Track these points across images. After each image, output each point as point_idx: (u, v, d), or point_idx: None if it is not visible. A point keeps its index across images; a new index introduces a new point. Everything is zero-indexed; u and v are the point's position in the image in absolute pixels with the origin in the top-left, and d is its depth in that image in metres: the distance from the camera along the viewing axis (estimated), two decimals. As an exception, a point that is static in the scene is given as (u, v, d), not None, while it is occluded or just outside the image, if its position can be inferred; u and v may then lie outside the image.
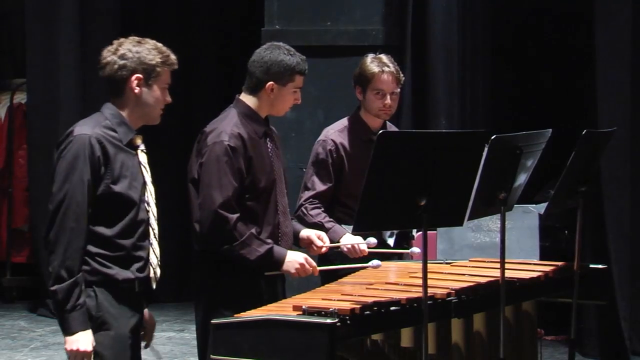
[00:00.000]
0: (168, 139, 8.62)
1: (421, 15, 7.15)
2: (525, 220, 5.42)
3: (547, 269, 4.33)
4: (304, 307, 3.40)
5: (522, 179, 3.93)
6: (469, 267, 4.32)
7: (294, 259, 4.07)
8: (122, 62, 3.63)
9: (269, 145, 4.30)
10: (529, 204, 5.29)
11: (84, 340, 3.50)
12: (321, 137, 4.95)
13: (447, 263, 4.42)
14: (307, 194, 4.83)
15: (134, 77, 3.62)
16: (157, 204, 3.74)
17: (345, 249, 4.58)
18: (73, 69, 8.03)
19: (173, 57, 3.76)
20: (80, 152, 3.50)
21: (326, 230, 4.65)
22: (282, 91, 4.27)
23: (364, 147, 4.77)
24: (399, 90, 4.96)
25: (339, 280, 4.20)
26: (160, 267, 3.73)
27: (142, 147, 3.74)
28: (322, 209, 4.79)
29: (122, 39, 3.72)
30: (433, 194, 3.42)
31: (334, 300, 3.55)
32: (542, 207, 5.26)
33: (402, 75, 5.01)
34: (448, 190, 3.53)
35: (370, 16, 7.13)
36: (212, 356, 3.43)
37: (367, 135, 4.88)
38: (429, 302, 3.50)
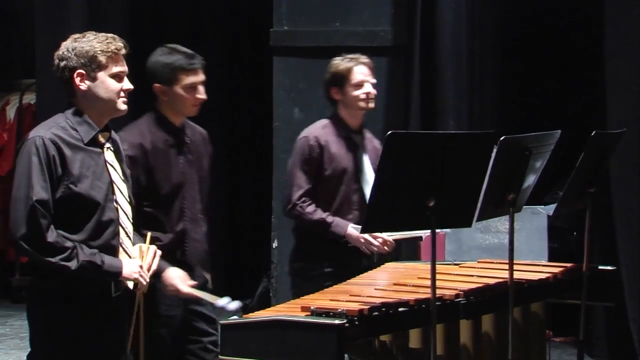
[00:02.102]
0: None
1: (430, 15, 7.13)
2: (534, 221, 5.42)
3: (556, 270, 4.33)
4: (312, 307, 3.40)
5: (530, 180, 3.92)
6: (478, 268, 4.32)
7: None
8: (62, 63, 3.61)
9: (181, 153, 4.31)
10: (537, 205, 5.29)
11: (129, 266, 3.54)
12: (303, 134, 4.95)
13: (455, 264, 4.42)
14: (298, 192, 4.80)
15: (75, 74, 3.57)
16: (130, 202, 3.67)
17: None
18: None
19: (117, 43, 3.61)
20: (33, 153, 3.43)
21: (328, 224, 4.70)
22: (173, 92, 4.23)
23: (343, 144, 4.86)
24: (374, 80, 5.01)
25: (348, 281, 4.18)
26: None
27: (108, 144, 3.64)
28: (315, 205, 4.80)
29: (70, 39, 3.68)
30: (441, 195, 3.42)
31: (342, 301, 3.55)
32: (550, 209, 5.25)
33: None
34: (457, 191, 3.53)
35: (379, 17, 7.12)
36: (220, 356, 3.44)
37: (347, 133, 4.91)
38: (437, 303, 3.50)
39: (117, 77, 3.58)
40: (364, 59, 4.97)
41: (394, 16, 7.11)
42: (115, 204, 3.57)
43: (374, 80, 4.98)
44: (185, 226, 4.25)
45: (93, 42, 3.55)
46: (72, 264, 3.39)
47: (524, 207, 4.11)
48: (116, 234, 3.58)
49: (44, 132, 3.50)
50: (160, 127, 4.19)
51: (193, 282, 4.20)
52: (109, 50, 3.55)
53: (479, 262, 4.49)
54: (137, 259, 3.61)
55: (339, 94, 4.92)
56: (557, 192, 4.36)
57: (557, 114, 7.06)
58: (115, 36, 3.65)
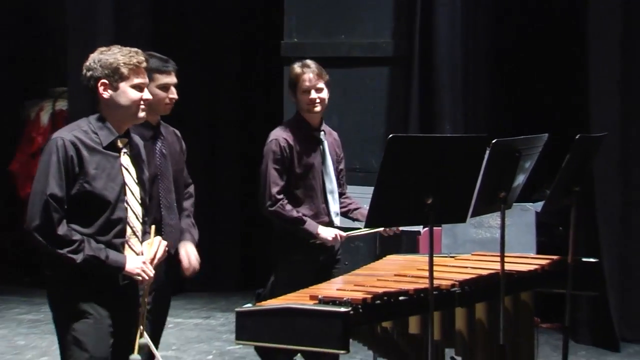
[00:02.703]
0: (195, 140, 8.67)
1: (427, 28, 7.11)
2: (523, 217, 5.41)
3: (543, 262, 4.31)
4: (320, 296, 3.39)
5: (520, 179, 3.91)
6: (472, 260, 4.30)
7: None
8: (89, 73, 3.60)
9: (157, 147, 4.32)
10: (526, 202, 5.26)
11: (133, 262, 3.51)
12: (272, 137, 4.91)
13: (451, 256, 4.40)
14: (275, 189, 4.78)
15: (99, 84, 3.57)
16: (142, 203, 3.65)
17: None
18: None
19: (138, 57, 3.62)
20: (53, 152, 3.44)
21: (304, 222, 4.77)
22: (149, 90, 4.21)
23: (308, 142, 4.88)
24: (323, 85, 4.96)
25: (352, 272, 4.17)
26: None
27: (125, 149, 3.63)
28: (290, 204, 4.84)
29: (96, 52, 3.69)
30: (438, 193, 3.41)
31: (348, 290, 3.54)
32: (538, 206, 5.24)
33: (324, 72, 5.03)
34: (452, 190, 3.51)
35: (381, 30, 7.12)
36: (236, 341, 3.42)
37: (310, 132, 4.93)
38: (434, 292, 3.49)
39: (138, 87, 3.59)
40: (312, 66, 4.96)
41: (395, 29, 7.11)
42: (125, 204, 3.55)
43: (321, 86, 4.94)
44: (162, 213, 4.28)
45: (117, 55, 3.56)
46: (78, 257, 3.39)
47: (514, 204, 4.08)
48: (124, 232, 3.56)
49: (65, 134, 3.51)
50: (137, 125, 4.11)
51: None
52: (131, 63, 3.56)
53: (472, 254, 4.48)
54: (141, 256, 3.59)
55: (293, 97, 4.96)
56: (545, 191, 4.35)
57: (544, 118, 7.04)
58: (138, 50, 3.65)
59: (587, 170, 4.79)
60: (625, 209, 6.94)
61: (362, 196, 5.61)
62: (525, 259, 4.35)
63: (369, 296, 3.41)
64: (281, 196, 4.76)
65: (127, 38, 7.92)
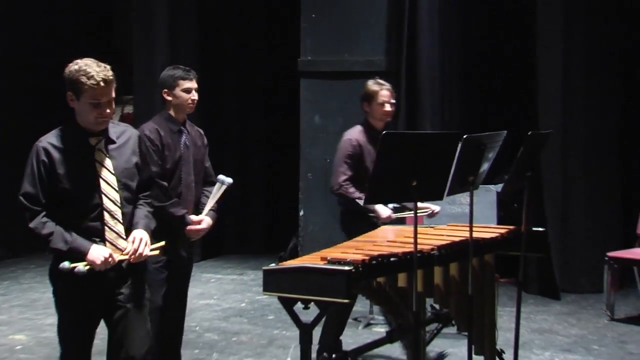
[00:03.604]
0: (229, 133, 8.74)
1: (412, 49, 7.09)
2: (487, 196, 5.41)
3: (503, 231, 4.28)
4: (328, 258, 3.35)
5: (485, 166, 3.88)
6: (447, 230, 4.27)
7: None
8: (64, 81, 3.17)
9: (182, 139, 4.19)
10: (490, 184, 5.23)
11: (96, 251, 3.08)
12: (347, 137, 4.84)
13: (431, 227, 4.36)
14: (342, 177, 4.72)
15: (67, 94, 3.15)
16: (119, 189, 3.20)
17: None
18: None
19: (97, 77, 3.10)
20: (32, 157, 3.11)
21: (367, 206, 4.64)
22: (174, 94, 4.19)
23: (373, 143, 4.73)
24: (394, 100, 4.92)
25: (354, 239, 4.13)
26: (126, 239, 3.20)
27: (100, 146, 3.18)
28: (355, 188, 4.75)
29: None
30: (421, 177, 3.38)
31: (350, 253, 3.51)
32: (499, 187, 5.23)
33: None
34: (432, 175, 3.48)
35: (376, 50, 7.10)
36: (263, 292, 3.39)
37: (376, 135, 4.75)
38: (418, 254, 3.47)
39: (93, 104, 3.13)
40: (387, 85, 4.91)
41: (386, 49, 7.09)
42: (100, 192, 3.15)
43: (393, 101, 4.91)
44: (182, 190, 4.17)
45: (80, 72, 3.10)
46: (47, 247, 3.10)
47: (480, 186, 4.05)
48: (102, 216, 3.15)
49: (42, 140, 3.15)
50: (168, 121, 4.18)
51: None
52: (90, 81, 3.09)
53: (448, 225, 4.44)
54: (105, 248, 3.13)
55: (368, 107, 4.85)
56: (504, 176, 4.31)
57: (504, 118, 7.01)
58: (96, 70, 3.13)
59: (536, 159, 4.76)
60: (565, 189, 6.99)
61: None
62: (488, 229, 4.33)
63: (367, 258, 3.39)
64: (346, 183, 4.70)
65: (178, 57, 7.94)
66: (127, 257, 3.16)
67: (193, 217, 4.19)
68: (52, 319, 3.43)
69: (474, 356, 3.91)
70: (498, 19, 7.67)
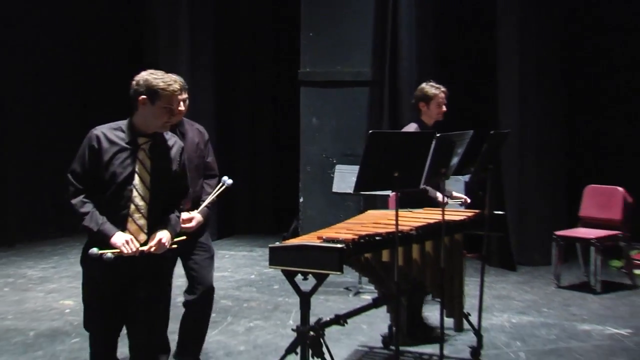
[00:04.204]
0: (240, 130, 8.67)
1: (393, 63, 7.05)
2: (457, 185, 5.36)
3: (470, 214, 4.28)
4: (324, 237, 3.33)
5: (455, 160, 3.87)
6: (423, 213, 4.25)
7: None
8: (135, 86, 2.98)
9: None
10: (459, 175, 5.20)
11: (119, 237, 2.88)
12: (406, 129, 4.49)
13: (410, 211, 4.34)
14: None
15: (140, 97, 2.94)
16: (150, 188, 2.97)
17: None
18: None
19: (174, 85, 2.97)
20: (85, 141, 2.94)
21: (427, 191, 4.41)
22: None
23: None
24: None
25: (345, 221, 4.10)
26: (147, 232, 2.98)
27: (145, 146, 2.98)
28: None
29: (144, 73, 3.02)
30: (402, 169, 3.36)
31: (342, 233, 3.48)
32: (466, 177, 5.19)
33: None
34: (411, 167, 3.46)
35: (363, 63, 7.05)
36: (269, 266, 3.36)
37: (427, 129, 4.58)
38: (399, 234, 3.46)
39: (167, 108, 2.96)
40: (442, 87, 4.62)
41: (372, 63, 7.04)
42: (132, 187, 2.94)
43: (446, 102, 4.62)
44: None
45: (158, 81, 2.96)
46: (80, 223, 2.90)
47: (451, 176, 4.04)
48: (128, 207, 2.93)
49: (98, 129, 2.98)
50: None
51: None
52: (169, 90, 2.95)
53: (424, 209, 4.41)
54: (128, 235, 2.91)
55: (425, 107, 4.58)
56: (470, 168, 4.28)
57: (471, 119, 6.96)
58: (177, 78, 3.09)
59: (497, 155, 4.76)
60: (521, 179, 6.96)
61: (351, 171, 5.56)
62: (458, 213, 4.32)
63: (356, 237, 3.37)
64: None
65: (198, 68, 7.89)
66: (147, 247, 2.93)
67: (183, 216, 3.50)
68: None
69: (445, 319, 3.93)
70: (466, 35, 7.62)
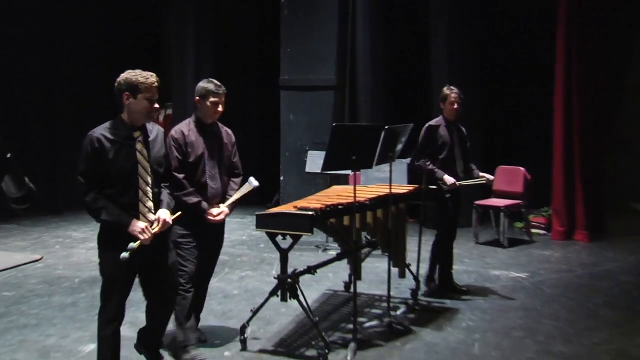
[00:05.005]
0: (233, 126, 8.60)
1: (353, 70, 7.01)
2: (401, 166, 5.39)
3: (411, 188, 4.28)
4: (298, 206, 3.34)
5: (399, 147, 3.86)
6: (376, 188, 4.26)
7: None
8: (117, 86, 2.75)
9: (207, 139, 3.32)
10: (402, 159, 5.23)
11: (135, 225, 2.68)
12: (427, 125, 4.23)
13: (366, 187, 4.35)
14: (420, 156, 4.29)
15: (124, 94, 2.72)
16: (150, 174, 2.76)
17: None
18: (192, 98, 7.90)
19: (152, 79, 2.74)
20: (87, 145, 2.67)
21: (435, 172, 4.27)
22: (205, 104, 3.31)
23: (443, 131, 4.34)
24: (461, 101, 4.35)
25: (315, 194, 4.09)
26: (154, 213, 2.76)
27: (140, 138, 2.75)
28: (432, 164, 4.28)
29: (124, 73, 2.77)
30: (359, 154, 3.35)
31: (313, 203, 3.49)
32: (408, 160, 5.21)
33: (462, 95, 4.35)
34: (366, 152, 3.45)
35: (329, 72, 6.99)
36: (256, 229, 3.35)
37: (449, 124, 4.38)
38: (357, 204, 3.45)
39: (149, 100, 2.75)
40: (455, 89, 4.36)
41: (337, 72, 6.98)
42: (138, 175, 2.72)
43: (460, 102, 4.36)
44: (206, 180, 3.29)
45: (138, 76, 2.73)
46: (97, 218, 2.68)
47: (397, 159, 4.02)
48: (137, 194, 2.72)
49: (96, 132, 2.71)
50: (195, 123, 3.33)
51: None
52: (148, 83, 2.73)
53: (376, 185, 4.43)
54: (143, 223, 2.71)
55: (443, 105, 4.34)
56: (412, 153, 4.29)
57: (413, 115, 6.99)
58: (150, 75, 2.78)
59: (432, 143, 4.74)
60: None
61: (320, 156, 5.56)
62: (402, 187, 4.33)
63: (324, 206, 3.37)
64: (427, 160, 4.27)
65: (201, 73, 7.73)
66: (158, 230, 2.72)
67: (213, 210, 3.30)
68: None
69: (392, 268, 3.95)
70: (408, 49, 7.58)
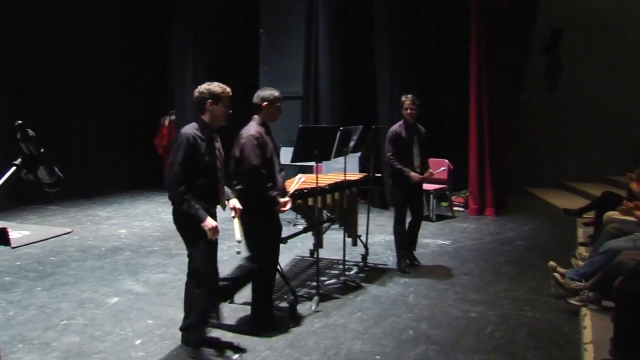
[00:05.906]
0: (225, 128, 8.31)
1: (316, 83, 6.83)
2: (354, 158, 5.31)
3: (361, 176, 4.22)
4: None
5: (352, 143, 3.78)
6: (334, 176, 4.15)
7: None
8: (200, 94, 2.71)
9: (271, 138, 3.14)
10: (355, 153, 5.12)
11: (208, 222, 2.57)
12: (391, 129, 3.98)
13: (325, 175, 4.23)
14: (389, 153, 4.00)
15: (207, 101, 2.68)
16: (221, 167, 2.71)
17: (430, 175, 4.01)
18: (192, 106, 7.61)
19: (228, 89, 2.74)
20: (184, 141, 2.60)
21: (403, 171, 3.93)
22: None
23: (408, 133, 4.01)
24: (415, 106, 3.98)
25: (286, 181, 3.92)
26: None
27: (216, 138, 2.74)
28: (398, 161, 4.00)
29: (204, 84, 2.72)
30: (320, 149, 3.26)
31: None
32: (359, 154, 5.12)
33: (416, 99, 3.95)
34: (326, 147, 3.37)
35: (297, 85, 6.84)
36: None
37: (408, 127, 4.05)
38: (318, 188, 3.38)
39: (226, 107, 2.74)
40: (410, 96, 3.98)
41: (303, 84, 6.81)
42: (216, 168, 2.68)
43: (413, 107, 3.98)
44: (276, 175, 3.01)
45: (216, 87, 2.70)
46: (183, 206, 2.56)
47: (350, 153, 3.92)
48: (217, 181, 2.67)
49: (189, 131, 2.64)
50: (263, 125, 3.06)
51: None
52: (225, 93, 2.71)
53: (334, 173, 4.32)
54: (214, 222, 2.62)
55: (401, 110, 4.03)
56: (362, 148, 4.20)
57: (362, 117, 6.85)
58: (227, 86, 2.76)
59: (377, 140, 4.64)
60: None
61: (290, 150, 5.39)
62: (354, 175, 4.25)
63: (293, 190, 3.25)
64: (393, 157, 3.98)
65: (198, 81, 7.34)
66: (235, 216, 2.67)
67: (281, 200, 2.96)
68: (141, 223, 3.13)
69: (346, 239, 3.92)
70: (359, 65, 7.31)
